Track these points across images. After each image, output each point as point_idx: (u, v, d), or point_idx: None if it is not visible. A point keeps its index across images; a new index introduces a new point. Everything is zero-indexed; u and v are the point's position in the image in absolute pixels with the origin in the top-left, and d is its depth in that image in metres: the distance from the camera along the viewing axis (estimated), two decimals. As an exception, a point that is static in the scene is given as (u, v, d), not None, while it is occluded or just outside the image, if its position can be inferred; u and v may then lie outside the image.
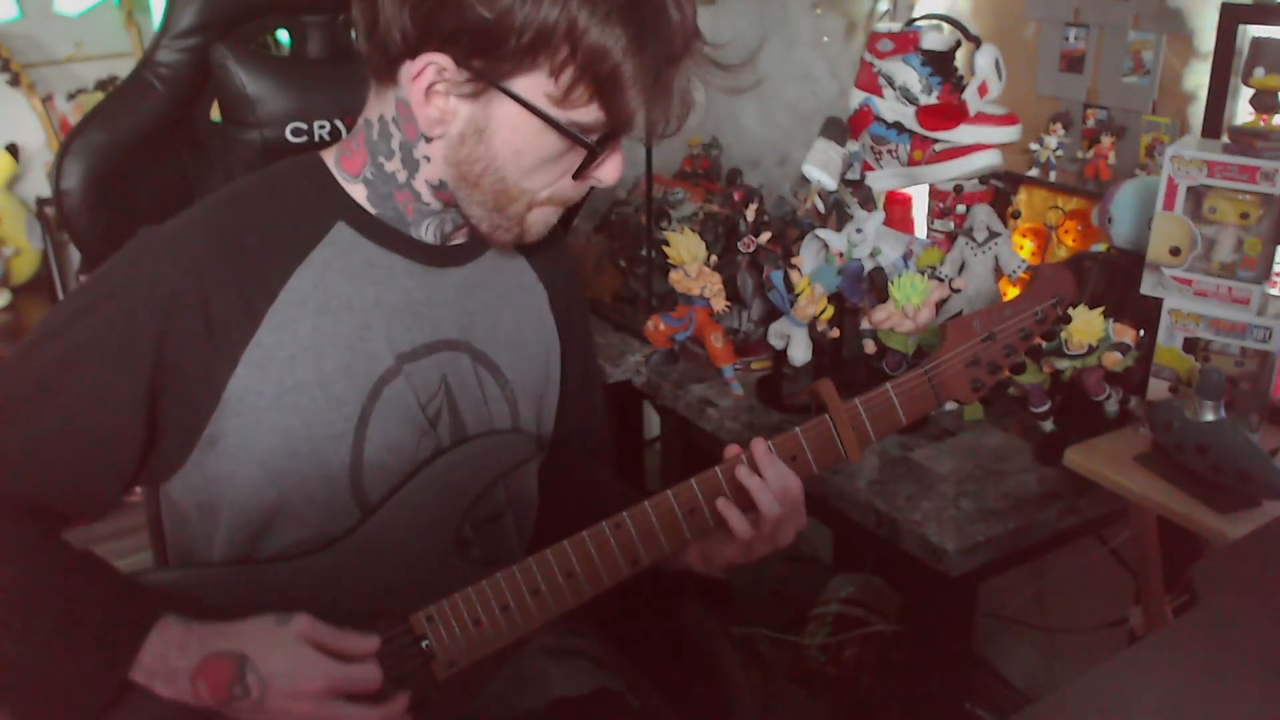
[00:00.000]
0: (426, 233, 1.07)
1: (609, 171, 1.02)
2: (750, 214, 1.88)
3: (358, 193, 1.05)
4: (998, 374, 1.15)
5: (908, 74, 1.81)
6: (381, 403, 1.04)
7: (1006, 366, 1.15)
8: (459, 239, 1.11)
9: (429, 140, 1.00)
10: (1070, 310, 1.33)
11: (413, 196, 1.04)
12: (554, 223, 1.08)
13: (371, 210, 1.05)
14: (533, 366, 1.18)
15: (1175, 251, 1.40)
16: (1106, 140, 1.76)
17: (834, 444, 1.08)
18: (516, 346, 1.16)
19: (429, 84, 0.95)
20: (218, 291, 0.98)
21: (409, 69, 0.95)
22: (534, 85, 0.93)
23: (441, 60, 0.93)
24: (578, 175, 1.01)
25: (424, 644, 1.01)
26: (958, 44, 1.82)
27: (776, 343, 1.69)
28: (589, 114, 0.95)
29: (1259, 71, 1.38)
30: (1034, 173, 1.86)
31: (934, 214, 1.90)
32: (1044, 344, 1.24)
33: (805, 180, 1.87)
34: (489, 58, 0.92)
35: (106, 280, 1.01)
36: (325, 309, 1.02)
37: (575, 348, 1.25)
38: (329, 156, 1.07)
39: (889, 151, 1.87)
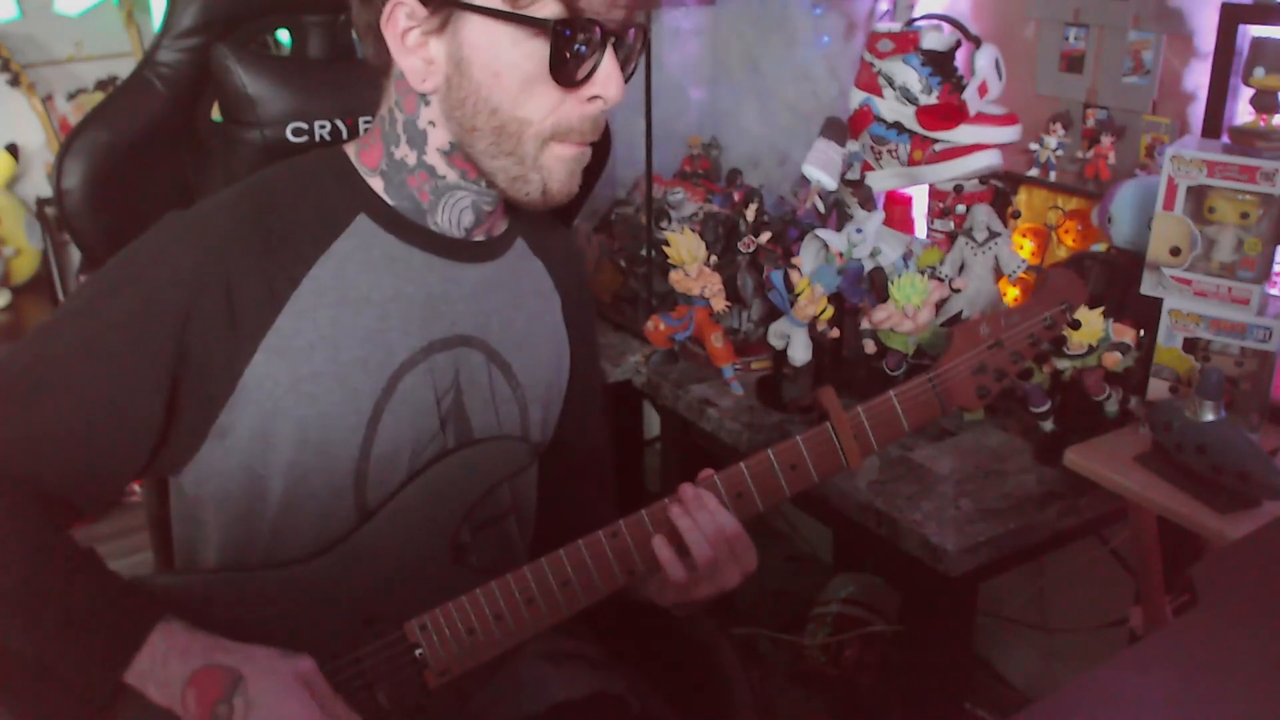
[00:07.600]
0: (444, 218, 1.07)
1: (607, 82, 0.98)
2: (750, 214, 1.88)
3: (377, 185, 1.06)
4: (1004, 381, 1.12)
5: (908, 74, 1.81)
6: (395, 399, 1.04)
7: (1013, 374, 1.12)
8: (480, 235, 1.11)
9: (426, 103, 1.01)
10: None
11: (428, 175, 1.04)
12: (577, 172, 1.04)
13: (390, 202, 1.06)
14: (544, 371, 1.18)
15: (1175, 251, 1.40)
16: (1106, 140, 1.76)
17: (835, 453, 1.06)
18: (530, 350, 1.15)
19: (403, 31, 0.97)
20: (241, 274, 0.98)
21: (384, 25, 0.97)
22: None
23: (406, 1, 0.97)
24: (567, 82, 0.97)
25: (417, 652, 1.01)
26: (958, 44, 1.82)
27: (776, 343, 1.69)
28: (546, 8, 0.95)
29: (1259, 71, 1.39)
30: (1034, 173, 1.86)
31: (934, 214, 1.90)
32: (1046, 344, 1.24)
33: (805, 180, 1.87)
34: None
35: (131, 262, 1.01)
36: (344, 300, 1.02)
37: (582, 358, 1.24)
38: (350, 150, 1.08)
39: (889, 151, 1.87)
